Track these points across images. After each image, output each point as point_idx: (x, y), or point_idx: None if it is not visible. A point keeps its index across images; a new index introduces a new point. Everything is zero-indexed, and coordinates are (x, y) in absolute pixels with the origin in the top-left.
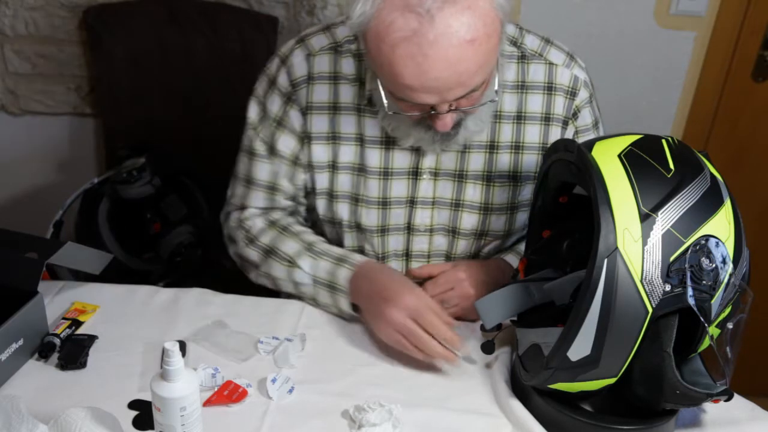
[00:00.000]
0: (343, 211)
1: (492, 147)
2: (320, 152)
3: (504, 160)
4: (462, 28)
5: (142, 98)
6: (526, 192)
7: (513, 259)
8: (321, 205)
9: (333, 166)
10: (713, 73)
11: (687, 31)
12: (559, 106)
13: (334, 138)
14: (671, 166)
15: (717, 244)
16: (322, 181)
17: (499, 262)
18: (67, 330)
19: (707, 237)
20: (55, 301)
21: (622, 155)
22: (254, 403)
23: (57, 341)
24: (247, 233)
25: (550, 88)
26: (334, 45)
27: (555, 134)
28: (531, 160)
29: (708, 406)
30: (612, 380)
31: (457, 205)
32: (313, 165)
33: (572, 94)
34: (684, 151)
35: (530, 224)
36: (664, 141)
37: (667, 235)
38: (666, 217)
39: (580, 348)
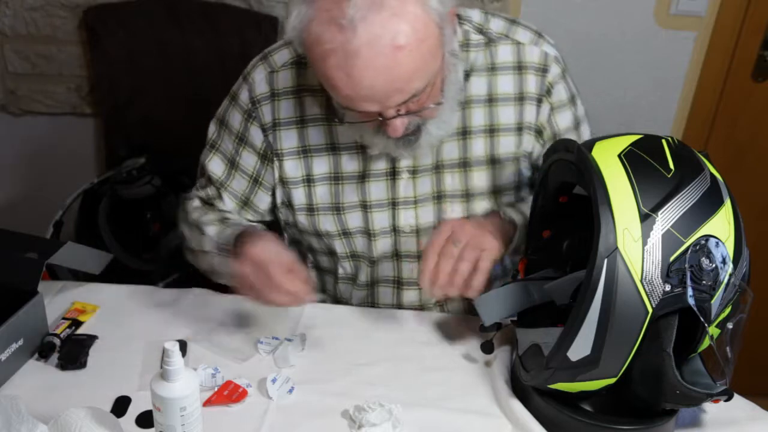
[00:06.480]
0: (326, 222)
1: (465, 133)
2: (293, 168)
3: (479, 144)
4: (388, 35)
5: (142, 98)
6: (508, 174)
7: (511, 212)
8: (302, 219)
9: (308, 180)
10: (713, 73)
11: (687, 31)
12: (531, 83)
13: (305, 152)
14: (671, 166)
15: (717, 244)
16: (299, 196)
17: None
18: (67, 330)
19: (707, 237)
20: (55, 301)
21: (622, 155)
22: (254, 403)
23: (57, 341)
24: (184, 212)
25: (519, 68)
26: (297, 58)
27: (530, 112)
28: (508, 142)
29: (708, 406)
30: (612, 380)
31: (438, 197)
32: (287, 181)
33: (543, 70)
34: (684, 151)
35: (530, 224)
36: (664, 141)
37: (667, 235)
38: (666, 217)
39: (580, 348)
